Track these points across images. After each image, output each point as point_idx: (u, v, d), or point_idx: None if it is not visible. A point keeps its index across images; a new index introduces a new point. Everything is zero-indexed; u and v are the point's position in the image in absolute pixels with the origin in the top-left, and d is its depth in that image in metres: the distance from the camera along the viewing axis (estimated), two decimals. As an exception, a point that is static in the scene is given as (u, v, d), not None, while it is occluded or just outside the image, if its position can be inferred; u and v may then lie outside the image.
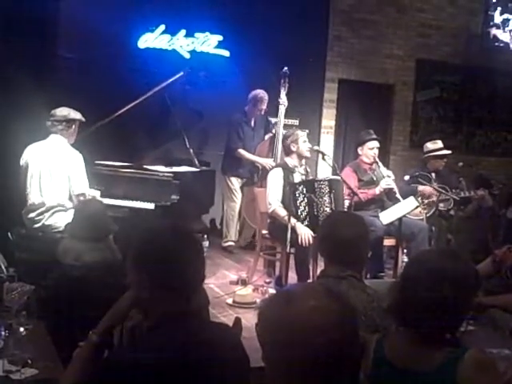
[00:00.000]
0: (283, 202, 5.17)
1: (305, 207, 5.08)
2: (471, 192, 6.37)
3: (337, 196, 5.23)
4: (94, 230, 3.38)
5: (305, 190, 5.08)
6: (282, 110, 6.67)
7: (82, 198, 4.56)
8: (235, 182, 6.93)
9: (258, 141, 6.92)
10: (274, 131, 6.81)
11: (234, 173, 6.90)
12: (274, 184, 5.25)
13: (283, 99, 6.65)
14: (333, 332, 1.32)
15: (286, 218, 4.92)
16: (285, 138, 5.57)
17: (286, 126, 6.71)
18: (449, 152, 6.57)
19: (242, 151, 6.75)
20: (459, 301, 1.91)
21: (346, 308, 1.38)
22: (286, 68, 6.62)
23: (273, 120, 6.95)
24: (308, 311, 1.34)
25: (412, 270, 2.01)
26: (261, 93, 6.73)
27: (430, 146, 6.62)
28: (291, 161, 5.41)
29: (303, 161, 5.47)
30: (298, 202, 5.06)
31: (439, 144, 6.60)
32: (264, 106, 6.78)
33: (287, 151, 5.50)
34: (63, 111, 4.71)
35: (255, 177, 6.86)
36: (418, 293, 1.91)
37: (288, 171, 5.30)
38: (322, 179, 5.37)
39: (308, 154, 5.46)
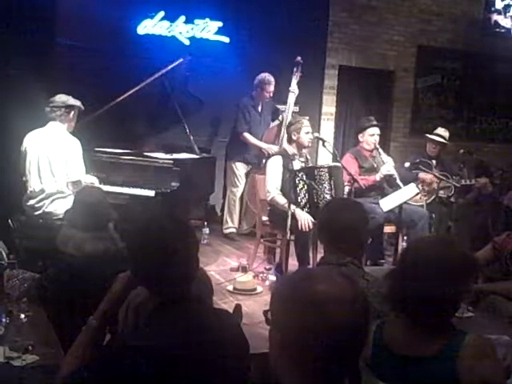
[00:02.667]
0: (282, 189, 5.15)
1: (305, 194, 5.06)
2: (472, 180, 6.39)
3: (337, 183, 5.21)
4: (94, 219, 3.35)
5: (305, 176, 5.05)
6: (292, 98, 6.64)
7: (77, 186, 4.54)
8: (240, 168, 6.86)
9: (265, 126, 6.88)
10: (280, 118, 6.79)
11: (240, 158, 6.83)
12: (273, 172, 5.22)
13: (294, 87, 6.63)
14: (351, 311, 1.32)
15: (286, 205, 4.90)
16: (289, 124, 5.54)
17: (293, 114, 6.66)
18: (443, 141, 6.56)
19: (247, 135, 6.68)
20: (456, 288, 1.91)
21: (361, 293, 1.39)
22: (299, 58, 6.59)
23: (280, 107, 6.92)
24: (330, 287, 1.34)
25: (409, 258, 2.01)
26: (267, 75, 6.66)
27: (436, 130, 6.72)
28: (291, 149, 5.38)
29: (303, 149, 5.44)
30: (297, 188, 5.04)
31: (441, 132, 6.63)
32: (272, 89, 6.70)
33: (288, 139, 5.48)
34: (62, 97, 4.70)
35: (262, 163, 6.71)
36: (416, 280, 1.91)
37: (288, 159, 5.28)
38: (322, 166, 5.36)
39: (308, 145, 5.44)
